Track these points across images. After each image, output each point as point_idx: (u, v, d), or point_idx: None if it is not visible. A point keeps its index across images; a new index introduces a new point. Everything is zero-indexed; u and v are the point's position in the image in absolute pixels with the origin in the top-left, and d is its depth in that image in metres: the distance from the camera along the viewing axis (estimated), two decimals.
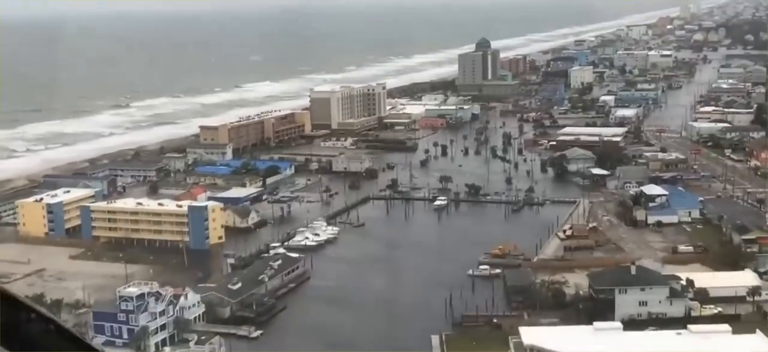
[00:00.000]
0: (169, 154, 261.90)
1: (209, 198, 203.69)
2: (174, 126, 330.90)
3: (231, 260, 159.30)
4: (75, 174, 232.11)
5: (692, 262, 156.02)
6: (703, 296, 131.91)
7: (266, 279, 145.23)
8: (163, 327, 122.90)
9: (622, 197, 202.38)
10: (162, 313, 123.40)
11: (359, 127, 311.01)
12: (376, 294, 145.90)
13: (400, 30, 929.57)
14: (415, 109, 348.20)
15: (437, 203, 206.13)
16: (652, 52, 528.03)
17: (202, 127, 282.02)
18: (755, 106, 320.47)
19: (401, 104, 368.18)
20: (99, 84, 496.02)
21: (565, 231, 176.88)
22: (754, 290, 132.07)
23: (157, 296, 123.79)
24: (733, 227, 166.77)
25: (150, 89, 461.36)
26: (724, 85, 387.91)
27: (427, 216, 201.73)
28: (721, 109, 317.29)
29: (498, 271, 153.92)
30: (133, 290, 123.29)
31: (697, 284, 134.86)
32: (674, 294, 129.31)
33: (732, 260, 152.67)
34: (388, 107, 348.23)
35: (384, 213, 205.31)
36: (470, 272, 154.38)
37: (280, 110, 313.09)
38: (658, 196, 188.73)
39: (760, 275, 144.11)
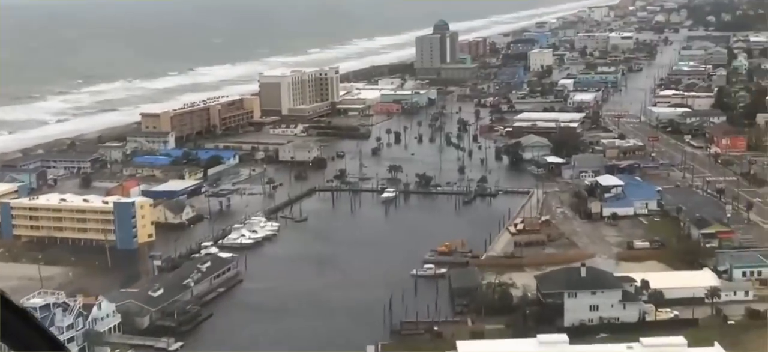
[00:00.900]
0: (108, 144, 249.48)
1: (143, 192, 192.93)
2: (119, 113, 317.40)
3: (157, 262, 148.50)
4: (4, 166, 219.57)
5: (648, 258, 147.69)
6: (659, 298, 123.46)
7: (192, 284, 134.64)
8: (70, 340, 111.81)
9: (577, 187, 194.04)
10: (70, 326, 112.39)
11: (311, 114, 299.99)
12: (311, 298, 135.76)
13: (369, 9, 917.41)
14: (371, 94, 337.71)
15: (385, 195, 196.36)
16: (612, 34, 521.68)
17: (143, 115, 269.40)
18: (716, 89, 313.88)
19: (357, 89, 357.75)
20: (55, 69, 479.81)
21: (516, 225, 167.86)
22: (713, 292, 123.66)
23: (65, 307, 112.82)
24: (691, 221, 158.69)
25: (106, 74, 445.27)
26: (685, 68, 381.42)
27: (374, 209, 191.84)
28: (681, 92, 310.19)
29: (443, 270, 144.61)
30: (37, 301, 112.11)
31: (653, 285, 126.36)
32: (627, 297, 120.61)
33: (690, 257, 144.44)
34: (342, 92, 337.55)
35: (329, 206, 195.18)
36: (414, 271, 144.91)
37: (228, 96, 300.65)
38: (614, 186, 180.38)
39: (719, 274, 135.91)
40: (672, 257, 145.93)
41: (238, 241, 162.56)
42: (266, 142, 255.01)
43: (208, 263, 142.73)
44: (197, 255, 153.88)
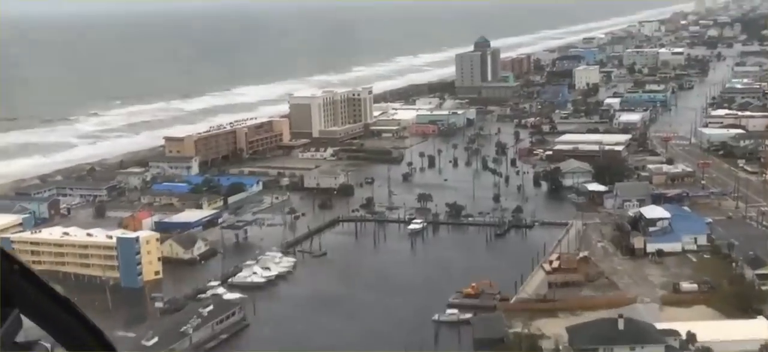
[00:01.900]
0: (130, 169, 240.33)
1: (156, 223, 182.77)
2: (146, 136, 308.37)
3: (159, 304, 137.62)
4: (18, 194, 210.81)
5: (696, 303, 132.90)
6: None
7: (191, 330, 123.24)
8: None
9: (620, 218, 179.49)
10: None
11: (343, 136, 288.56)
12: (320, 348, 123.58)
13: (415, 27, 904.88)
14: (407, 114, 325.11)
15: (412, 226, 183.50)
16: (663, 50, 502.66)
17: (167, 139, 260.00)
18: None
19: (393, 109, 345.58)
20: (90, 88, 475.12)
21: (551, 262, 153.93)
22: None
23: None
24: (744, 260, 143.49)
25: (146, 94, 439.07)
26: (739, 85, 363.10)
27: (399, 242, 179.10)
28: (734, 112, 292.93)
29: (468, 316, 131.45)
30: None
31: (700, 337, 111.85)
32: None
33: (743, 301, 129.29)
34: (378, 112, 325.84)
35: (352, 239, 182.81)
36: (436, 317, 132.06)
37: (256, 118, 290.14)
38: (660, 219, 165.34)
39: None
40: (722, 302, 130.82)
41: (249, 279, 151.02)
42: (293, 167, 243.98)
43: (211, 307, 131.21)
44: (203, 295, 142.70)
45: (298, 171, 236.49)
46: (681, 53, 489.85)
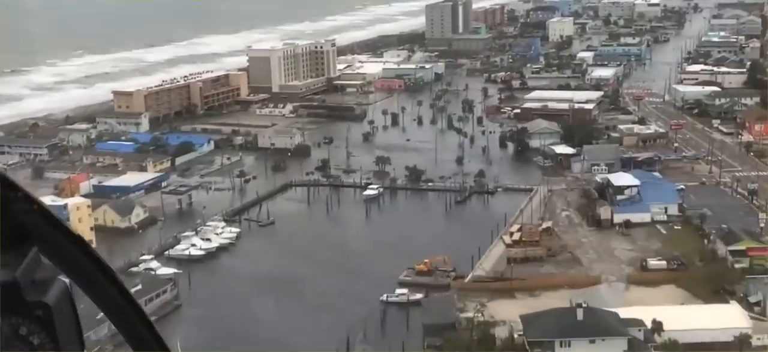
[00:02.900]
0: (75, 126, 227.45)
1: (95, 187, 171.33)
2: (99, 88, 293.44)
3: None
4: None
5: (665, 282, 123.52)
6: (675, 347, 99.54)
7: None
8: None
9: (587, 183, 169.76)
10: None
11: (304, 91, 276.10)
12: (255, 333, 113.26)
13: None
14: (374, 68, 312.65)
15: (368, 192, 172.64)
16: (639, 1, 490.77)
17: (115, 93, 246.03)
18: (748, 64, 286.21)
19: (359, 62, 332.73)
20: (54, 36, 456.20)
21: (512, 234, 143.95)
22: (743, 340, 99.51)
23: None
24: (717, 234, 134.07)
25: (111, 43, 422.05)
26: (715, 39, 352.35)
27: (353, 209, 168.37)
28: (710, 68, 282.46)
29: (419, 297, 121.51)
30: None
31: (667, 326, 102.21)
32: (635, 347, 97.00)
33: (715, 282, 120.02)
34: (343, 66, 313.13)
35: (304, 206, 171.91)
36: (384, 297, 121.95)
37: (212, 71, 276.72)
38: (628, 187, 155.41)
39: (751, 305, 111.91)
40: (693, 282, 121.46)
41: (188, 252, 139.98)
42: (249, 124, 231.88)
43: (139, 285, 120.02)
44: (135, 269, 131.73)
45: (254, 129, 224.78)
46: (657, 4, 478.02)
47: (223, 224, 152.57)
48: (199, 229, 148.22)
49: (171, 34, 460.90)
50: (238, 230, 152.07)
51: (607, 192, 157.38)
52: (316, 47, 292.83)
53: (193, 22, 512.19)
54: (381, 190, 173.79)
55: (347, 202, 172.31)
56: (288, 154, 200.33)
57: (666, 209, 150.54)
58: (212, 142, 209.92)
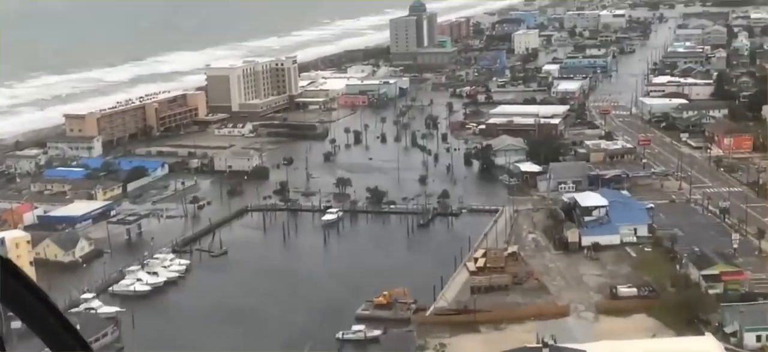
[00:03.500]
0: (25, 152, 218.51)
1: (40, 217, 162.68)
2: (53, 111, 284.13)
3: (17, 323, 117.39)
4: None
5: (636, 311, 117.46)
6: None
7: None
8: None
9: (553, 203, 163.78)
10: None
11: (265, 109, 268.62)
12: None
13: None
14: (337, 84, 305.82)
15: (327, 216, 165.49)
16: (604, 12, 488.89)
17: (67, 116, 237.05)
18: (715, 74, 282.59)
19: (323, 78, 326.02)
20: (16, 57, 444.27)
21: (476, 260, 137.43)
22: None
23: None
24: (689, 257, 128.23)
25: (68, 63, 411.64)
26: (681, 49, 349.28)
27: (311, 236, 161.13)
28: (677, 79, 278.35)
29: (377, 333, 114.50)
30: None
31: None
32: None
33: (688, 310, 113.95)
34: (306, 82, 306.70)
35: (259, 233, 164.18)
36: (340, 335, 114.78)
37: (169, 91, 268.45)
38: (596, 208, 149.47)
39: (727, 336, 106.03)
40: (665, 311, 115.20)
41: (132, 288, 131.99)
42: (207, 146, 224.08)
43: (78, 327, 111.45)
44: (76, 310, 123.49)
45: (211, 151, 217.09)
46: (622, 15, 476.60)
47: (171, 255, 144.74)
48: (146, 262, 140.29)
49: (134, 51, 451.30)
50: (187, 261, 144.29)
51: (574, 213, 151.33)
52: (277, 64, 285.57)
53: (157, 40, 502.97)
54: (340, 214, 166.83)
55: (305, 227, 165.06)
56: (245, 177, 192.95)
57: (635, 230, 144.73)
58: (166, 166, 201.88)
